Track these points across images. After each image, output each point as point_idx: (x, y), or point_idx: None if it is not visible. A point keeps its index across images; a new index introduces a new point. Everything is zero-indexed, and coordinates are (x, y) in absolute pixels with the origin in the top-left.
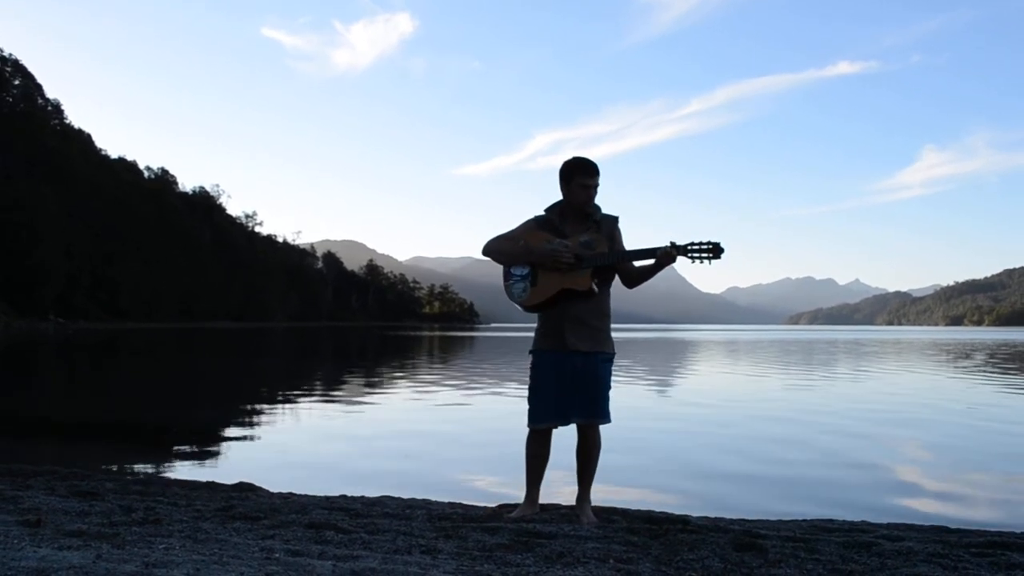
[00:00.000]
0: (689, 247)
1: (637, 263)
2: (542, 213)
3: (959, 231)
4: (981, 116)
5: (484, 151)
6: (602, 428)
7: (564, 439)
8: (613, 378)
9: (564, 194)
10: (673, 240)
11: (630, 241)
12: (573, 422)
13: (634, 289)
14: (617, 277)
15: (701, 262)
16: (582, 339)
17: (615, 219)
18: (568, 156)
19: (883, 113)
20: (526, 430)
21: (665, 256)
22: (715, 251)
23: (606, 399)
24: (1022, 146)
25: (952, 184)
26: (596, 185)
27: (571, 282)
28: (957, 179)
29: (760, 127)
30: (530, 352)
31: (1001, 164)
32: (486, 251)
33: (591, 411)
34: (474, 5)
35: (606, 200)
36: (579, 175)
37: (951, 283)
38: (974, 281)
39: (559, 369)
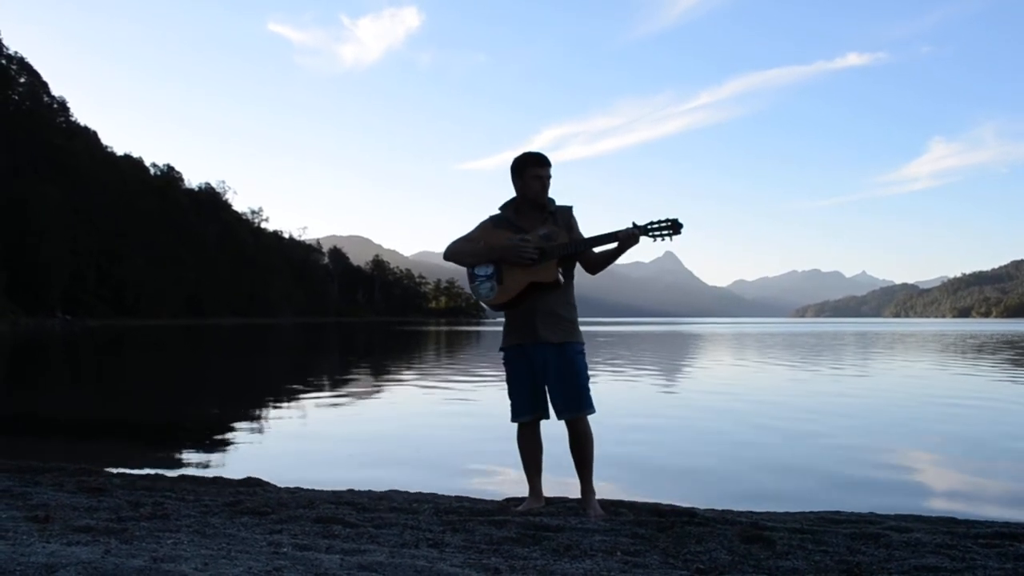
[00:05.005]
0: (649, 226)
1: (598, 248)
2: (498, 212)
3: (966, 223)
4: (990, 106)
5: (490, 146)
6: (606, 420)
7: (560, 433)
8: (618, 371)
9: (517, 188)
10: (634, 221)
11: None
12: (560, 418)
13: (640, 283)
14: (579, 265)
15: (662, 239)
16: (554, 331)
17: (570, 209)
18: (574, 150)
19: (891, 105)
20: (515, 427)
21: (629, 238)
22: (674, 227)
23: (586, 389)
24: None
25: (960, 175)
26: (549, 175)
27: (537, 275)
28: (965, 170)
29: (768, 120)
30: (501, 350)
31: (1010, 154)
32: (447, 255)
33: (574, 404)
34: None
35: (613, 194)
36: (531, 166)
37: (958, 275)
38: (981, 273)
39: (532, 363)
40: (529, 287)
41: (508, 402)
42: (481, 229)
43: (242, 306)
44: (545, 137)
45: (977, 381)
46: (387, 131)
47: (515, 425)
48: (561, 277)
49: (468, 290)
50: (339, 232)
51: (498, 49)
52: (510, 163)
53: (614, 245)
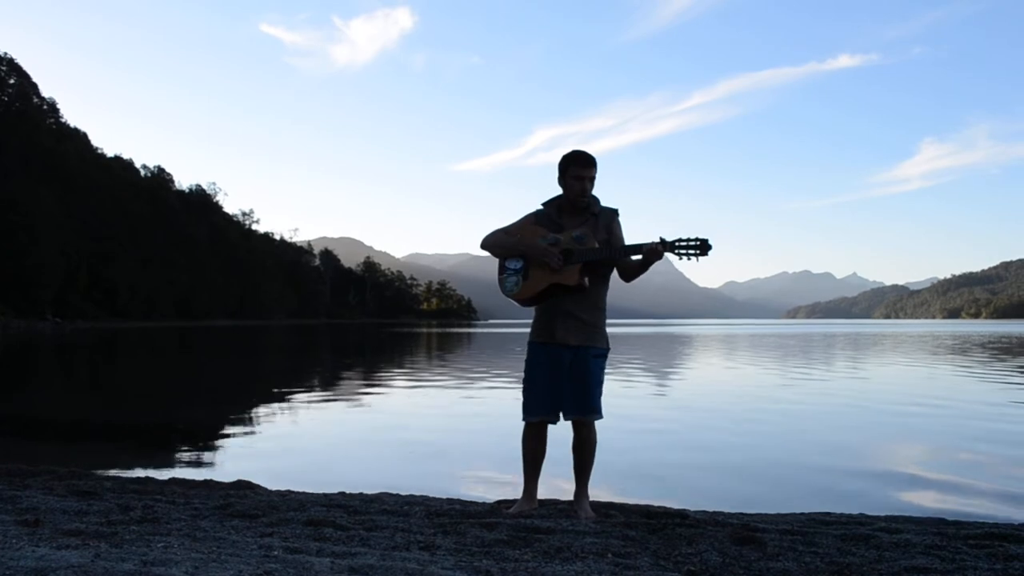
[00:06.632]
0: (676, 243)
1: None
2: (541, 207)
3: (957, 224)
4: (982, 108)
5: (483, 147)
6: (599, 422)
7: (562, 434)
8: (609, 372)
9: (561, 187)
10: (663, 236)
11: (628, 235)
12: (566, 418)
13: (631, 284)
14: (616, 270)
15: (688, 258)
16: (572, 333)
17: (614, 211)
18: (568, 151)
19: (883, 106)
20: (522, 425)
21: (652, 252)
22: (702, 248)
23: (597, 394)
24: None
25: (952, 176)
26: (591, 177)
27: (560, 277)
28: (957, 171)
29: (760, 121)
30: (528, 343)
31: (1002, 155)
32: (484, 244)
33: (582, 406)
34: None
35: (606, 194)
36: (574, 166)
37: (948, 276)
38: (971, 274)
39: (550, 362)
40: (551, 287)
41: (501, 404)
42: (522, 223)
43: (233, 308)
44: (539, 138)
45: (967, 381)
46: (379, 132)
47: (519, 425)
48: (586, 281)
49: (461, 292)
50: (330, 234)
51: (492, 50)
52: (504, 164)
53: (639, 256)
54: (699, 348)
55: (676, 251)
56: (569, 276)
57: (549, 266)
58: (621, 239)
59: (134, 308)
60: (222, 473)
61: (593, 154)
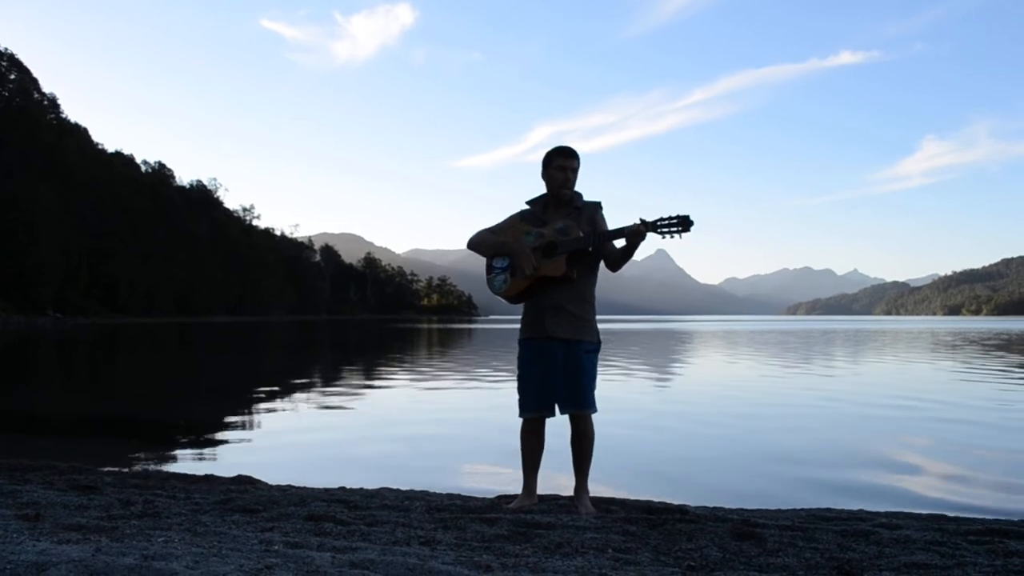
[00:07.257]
0: (658, 222)
1: (617, 244)
2: (526, 206)
3: (958, 221)
4: (983, 105)
5: (484, 143)
6: (598, 418)
7: (561, 429)
8: (608, 368)
9: (545, 182)
10: (643, 217)
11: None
12: (561, 412)
13: (632, 281)
14: (603, 262)
15: (671, 236)
16: (562, 327)
17: (597, 204)
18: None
19: (884, 103)
20: (520, 421)
21: (634, 234)
22: (683, 224)
23: (591, 389)
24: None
25: (952, 174)
26: (573, 168)
27: (546, 269)
28: (957, 168)
29: (761, 117)
30: (519, 341)
31: (1002, 153)
32: (470, 244)
33: (577, 401)
34: None
35: (606, 191)
36: (558, 158)
37: (949, 273)
38: (972, 271)
39: (542, 358)
40: (538, 281)
41: (501, 399)
42: (508, 222)
43: (233, 304)
44: (539, 134)
45: (966, 378)
46: (380, 128)
47: (518, 420)
48: (572, 273)
49: (461, 288)
50: (331, 230)
51: (493, 46)
52: (504, 160)
53: (623, 241)
54: (699, 344)
55: (658, 230)
56: (555, 267)
57: (531, 264)
58: (605, 230)
59: (134, 304)
60: (223, 468)
61: (593, 151)
